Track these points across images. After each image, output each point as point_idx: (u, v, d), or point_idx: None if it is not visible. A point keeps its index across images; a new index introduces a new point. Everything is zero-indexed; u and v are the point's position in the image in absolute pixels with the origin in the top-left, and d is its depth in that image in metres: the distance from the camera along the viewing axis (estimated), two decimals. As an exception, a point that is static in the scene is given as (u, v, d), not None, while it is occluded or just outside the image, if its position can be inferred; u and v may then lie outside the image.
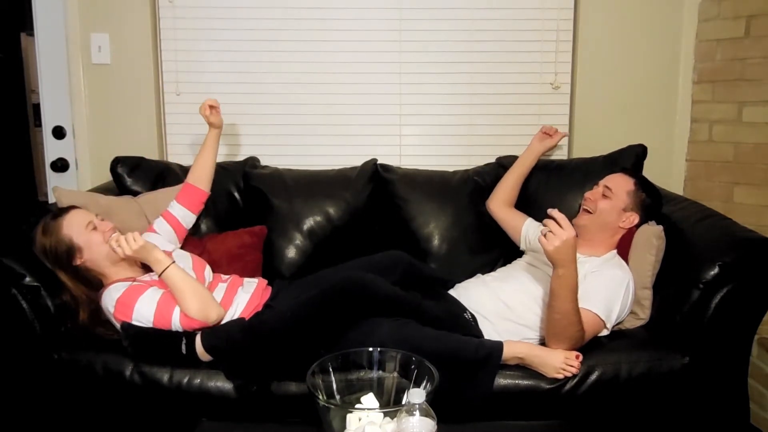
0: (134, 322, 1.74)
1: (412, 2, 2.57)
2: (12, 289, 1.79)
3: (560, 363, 1.71)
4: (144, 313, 1.74)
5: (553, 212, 1.65)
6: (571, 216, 2.14)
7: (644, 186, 2.03)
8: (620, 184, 2.01)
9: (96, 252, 1.83)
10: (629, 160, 2.33)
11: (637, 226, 2.00)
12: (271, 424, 1.66)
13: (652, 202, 2.02)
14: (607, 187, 2.01)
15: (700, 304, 1.79)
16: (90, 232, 1.83)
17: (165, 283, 1.77)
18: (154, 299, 1.75)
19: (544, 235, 1.65)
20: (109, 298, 1.77)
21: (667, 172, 2.62)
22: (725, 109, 2.47)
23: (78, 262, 1.82)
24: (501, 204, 2.32)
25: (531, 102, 2.64)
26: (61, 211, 1.86)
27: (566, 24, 2.59)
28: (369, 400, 1.31)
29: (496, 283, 2.00)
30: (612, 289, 1.86)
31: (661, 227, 1.96)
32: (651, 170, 2.44)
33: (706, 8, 2.50)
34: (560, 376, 1.71)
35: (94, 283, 1.85)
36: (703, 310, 1.78)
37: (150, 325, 1.75)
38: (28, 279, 1.80)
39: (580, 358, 1.73)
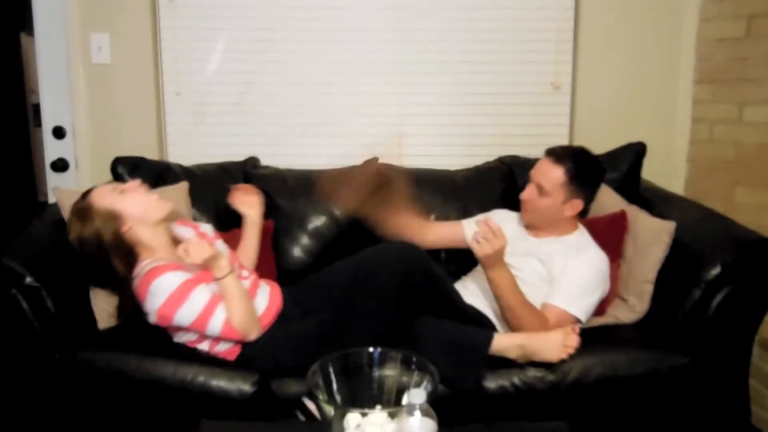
0: (174, 323, 1.72)
1: (413, 2, 2.57)
2: (12, 289, 1.79)
3: (559, 343, 1.69)
4: (186, 317, 1.71)
5: (489, 221, 1.69)
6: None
7: (577, 170, 1.86)
8: (550, 178, 1.87)
9: (136, 210, 1.79)
10: (629, 158, 2.33)
11: (586, 206, 1.97)
12: (272, 424, 1.66)
13: (590, 178, 1.92)
14: (539, 184, 1.89)
15: (702, 303, 1.79)
16: (121, 195, 1.81)
17: (220, 288, 1.75)
18: (200, 305, 1.71)
19: (477, 241, 1.69)
20: (159, 293, 1.70)
21: (667, 172, 2.61)
22: (726, 109, 2.46)
23: (125, 228, 1.78)
24: (422, 232, 2.07)
25: (531, 102, 2.64)
26: (84, 195, 1.84)
27: (566, 24, 2.58)
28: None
29: (477, 284, 1.99)
30: (585, 279, 1.85)
31: (673, 223, 1.93)
32: (651, 170, 2.45)
33: (706, 8, 2.50)
34: (565, 356, 1.69)
35: (133, 257, 1.81)
36: (704, 310, 1.78)
37: (187, 325, 1.73)
38: (28, 279, 1.80)
39: (577, 329, 1.71)
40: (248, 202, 2.11)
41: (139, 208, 1.81)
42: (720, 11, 2.45)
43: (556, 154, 1.90)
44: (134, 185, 1.86)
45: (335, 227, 2.32)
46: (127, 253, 1.81)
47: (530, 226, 2.01)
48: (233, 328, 1.72)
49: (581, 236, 1.96)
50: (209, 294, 1.74)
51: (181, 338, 1.82)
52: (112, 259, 1.81)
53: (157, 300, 1.71)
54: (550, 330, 1.75)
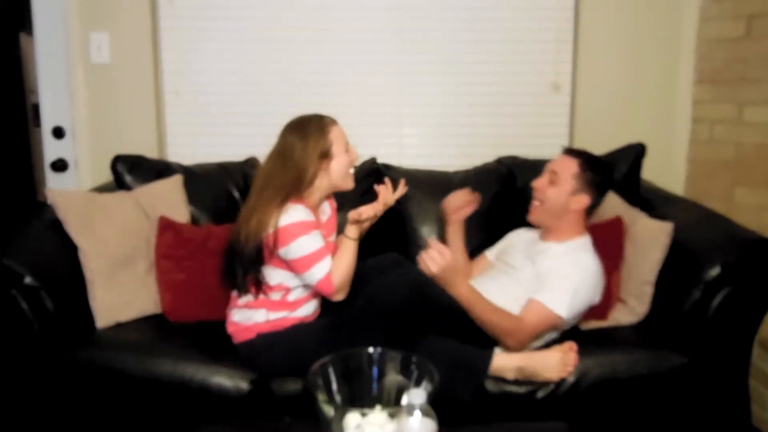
0: (280, 251, 1.75)
1: (413, 2, 2.57)
2: (12, 289, 1.79)
3: (559, 362, 1.71)
4: (300, 248, 1.75)
5: (431, 241, 1.72)
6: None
7: (590, 164, 1.95)
8: (565, 167, 1.95)
9: (337, 170, 1.85)
10: (629, 159, 2.33)
11: (593, 206, 1.97)
12: (271, 423, 1.66)
13: (602, 179, 1.97)
14: (553, 171, 1.96)
15: (701, 304, 1.79)
16: (344, 151, 1.86)
17: (343, 243, 1.82)
18: (315, 245, 1.77)
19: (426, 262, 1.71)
20: (292, 215, 1.76)
21: (667, 172, 2.61)
22: (726, 109, 2.46)
23: (323, 167, 1.83)
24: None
25: (531, 102, 2.64)
26: (330, 119, 1.88)
27: (566, 24, 2.58)
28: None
29: (480, 287, 1.99)
30: (572, 278, 1.83)
31: (670, 224, 1.94)
32: (651, 170, 2.44)
33: (706, 8, 2.50)
34: (565, 375, 1.70)
35: (301, 188, 1.83)
36: (704, 310, 1.78)
37: (293, 257, 1.76)
38: (28, 279, 1.80)
39: (575, 347, 1.73)
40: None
41: (339, 171, 1.86)
42: (720, 11, 2.45)
43: (573, 150, 2.01)
44: (354, 155, 1.90)
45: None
46: (301, 181, 1.82)
47: (538, 224, 2.00)
48: (331, 281, 1.77)
49: (584, 242, 1.95)
50: (323, 241, 1.81)
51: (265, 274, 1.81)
52: (288, 172, 1.81)
53: (287, 219, 1.75)
54: (525, 328, 1.75)
